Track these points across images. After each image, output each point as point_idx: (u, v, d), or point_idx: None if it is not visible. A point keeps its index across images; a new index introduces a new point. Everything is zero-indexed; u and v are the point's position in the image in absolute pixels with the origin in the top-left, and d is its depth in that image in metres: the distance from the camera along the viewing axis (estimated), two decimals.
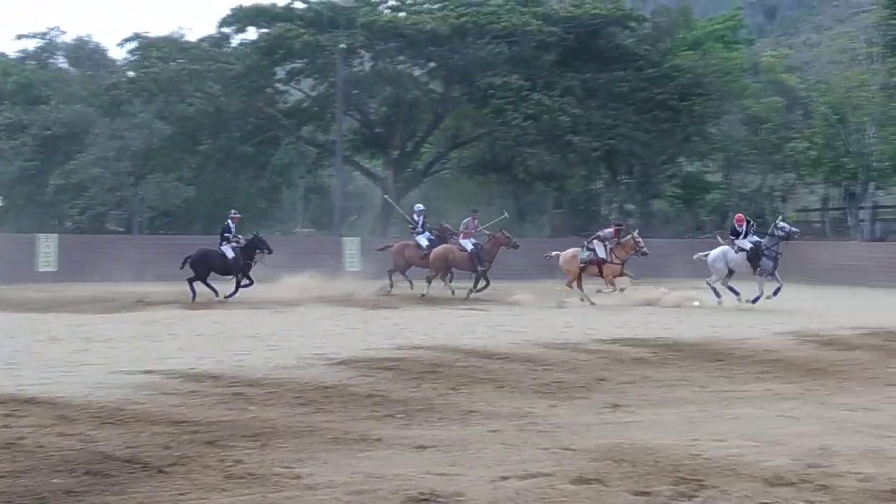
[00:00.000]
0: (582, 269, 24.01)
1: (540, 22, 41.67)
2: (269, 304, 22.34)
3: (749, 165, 46.20)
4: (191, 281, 24.13)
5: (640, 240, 23.98)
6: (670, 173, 46.58)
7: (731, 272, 22.98)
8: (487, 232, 26.00)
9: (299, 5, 44.16)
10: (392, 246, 27.71)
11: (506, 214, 29.82)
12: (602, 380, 11.64)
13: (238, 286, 24.19)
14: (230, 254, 24.41)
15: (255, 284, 24.44)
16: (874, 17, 44.64)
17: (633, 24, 44.21)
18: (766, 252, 22.39)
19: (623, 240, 24.05)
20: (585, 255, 23.82)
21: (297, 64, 43.72)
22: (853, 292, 28.29)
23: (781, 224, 23.10)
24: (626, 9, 44.21)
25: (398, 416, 9.22)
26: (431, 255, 25.47)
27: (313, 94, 45.07)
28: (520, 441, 8.14)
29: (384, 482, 6.76)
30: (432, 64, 44.06)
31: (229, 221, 25.29)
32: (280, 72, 44.35)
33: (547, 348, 14.46)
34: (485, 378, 11.57)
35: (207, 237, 29.31)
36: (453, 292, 25.15)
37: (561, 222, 45.67)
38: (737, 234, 23.03)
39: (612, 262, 23.71)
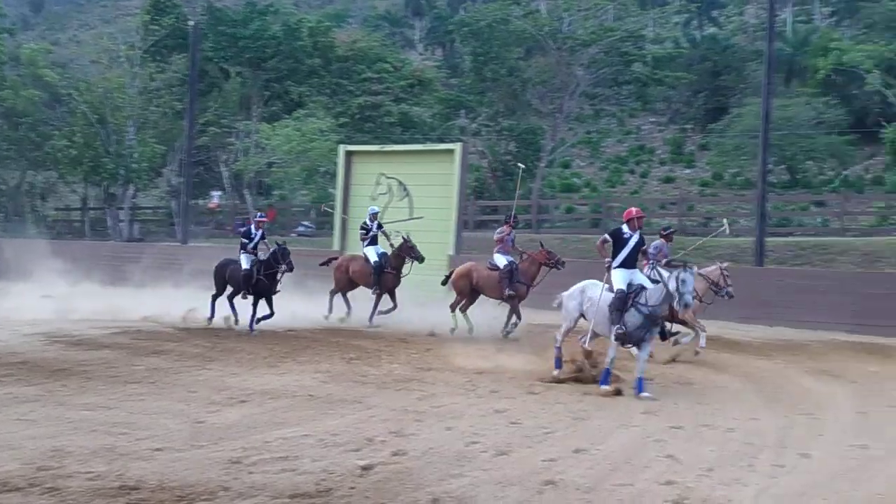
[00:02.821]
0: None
1: None
2: None
3: (7, 161, 44.45)
4: (229, 298, 18.96)
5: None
6: None
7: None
8: (521, 249, 19.02)
9: None
10: (336, 259, 21.21)
11: (521, 166, 24.46)
12: None
13: (254, 314, 18.36)
14: (245, 264, 18.74)
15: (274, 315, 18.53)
16: (137, 21, 45.86)
17: None
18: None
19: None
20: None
21: None
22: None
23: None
24: None
25: None
26: (454, 276, 19.03)
27: None
28: None
29: None
30: None
31: (251, 226, 19.34)
32: None
33: None
34: None
35: None
36: (454, 329, 18.32)
37: None
38: (621, 244, 12.93)
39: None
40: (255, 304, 18.41)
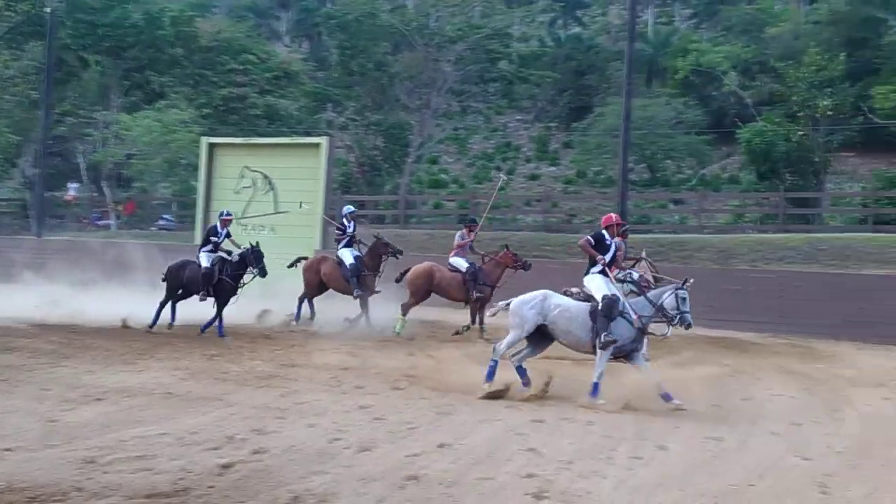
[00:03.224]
0: None
1: None
2: None
3: None
4: (173, 302, 17.88)
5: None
6: None
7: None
8: (481, 252, 18.53)
9: None
10: (305, 259, 19.48)
11: (503, 177, 23.59)
12: None
13: (218, 315, 17.11)
14: (205, 262, 17.54)
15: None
16: None
17: None
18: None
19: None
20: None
21: None
22: None
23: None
24: None
25: None
26: (409, 274, 17.89)
27: None
28: None
29: None
30: None
31: (217, 224, 18.19)
32: None
33: None
34: None
35: None
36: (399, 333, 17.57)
37: None
38: (604, 250, 12.11)
39: None
40: (220, 307, 17.12)
